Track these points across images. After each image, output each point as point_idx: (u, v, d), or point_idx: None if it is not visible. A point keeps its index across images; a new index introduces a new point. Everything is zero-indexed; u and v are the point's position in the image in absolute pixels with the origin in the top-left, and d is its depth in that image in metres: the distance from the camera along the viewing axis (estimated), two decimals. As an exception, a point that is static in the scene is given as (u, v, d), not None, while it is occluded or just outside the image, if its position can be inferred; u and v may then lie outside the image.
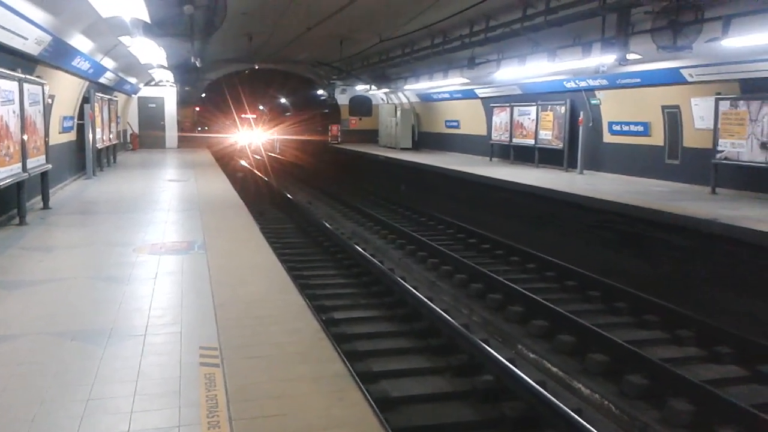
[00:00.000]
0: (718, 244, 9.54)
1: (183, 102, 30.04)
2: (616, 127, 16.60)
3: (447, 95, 25.07)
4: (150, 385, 4.02)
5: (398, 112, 29.09)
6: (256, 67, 29.87)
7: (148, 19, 10.40)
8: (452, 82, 21.72)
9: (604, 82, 16.03)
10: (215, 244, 8.26)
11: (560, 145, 18.36)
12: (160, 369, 4.27)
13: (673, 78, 13.86)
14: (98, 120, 16.68)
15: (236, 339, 4.81)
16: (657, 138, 15.21)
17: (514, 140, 20.63)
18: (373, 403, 3.92)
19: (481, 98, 22.82)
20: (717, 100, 12.78)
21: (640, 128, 15.71)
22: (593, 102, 17.14)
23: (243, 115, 49.13)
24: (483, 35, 15.16)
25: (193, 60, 20.42)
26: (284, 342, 4.79)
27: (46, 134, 10.84)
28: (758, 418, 5.59)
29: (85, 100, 15.72)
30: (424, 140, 29.08)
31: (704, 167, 13.40)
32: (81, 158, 15.97)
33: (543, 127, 19.16)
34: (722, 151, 12.76)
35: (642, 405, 6.23)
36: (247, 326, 5.11)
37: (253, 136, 46.71)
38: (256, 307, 5.63)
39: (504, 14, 14.22)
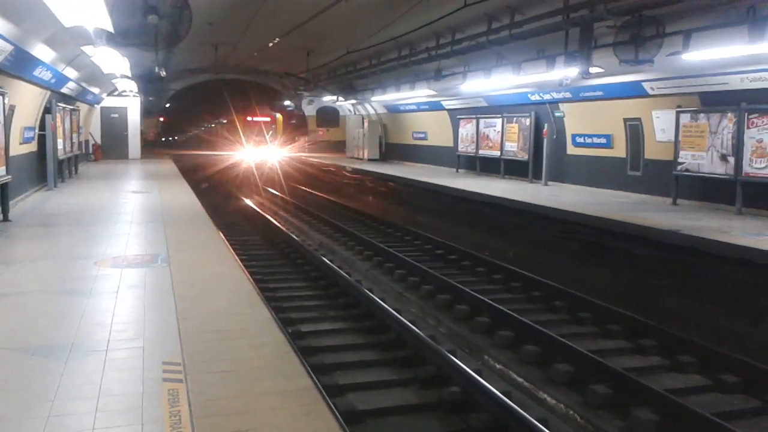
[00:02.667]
0: (679, 254, 9.72)
1: (147, 112, 29.63)
2: (580, 140, 16.86)
3: (414, 107, 25.21)
4: (112, 401, 3.95)
5: (365, 124, 29.18)
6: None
7: (111, 29, 10.29)
8: (419, 93, 21.86)
9: (568, 94, 16.28)
10: (179, 257, 8.16)
11: (525, 157, 18.58)
12: (122, 385, 4.19)
13: (635, 91, 14.14)
14: (60, 130, 16.41)
15: (200, 353, 4.74)
16: (619, 150, 15.47)
17: (480, 152, 20.83)
18: (339, 417, 3.90)
19: (448, 110, 23.00)
20: (678, 113, 13.06)
21: (603, 140, 15.97)
22: (557, 114, 17.39)
23: (252, 118, 36.44)
24: (449, 48, 15.30)
25: (157, 70, 20.24)
26: (249, 356, 4.75)
27: (6, 145, 10.64)
28: (721, 427, 5.68)
29: (47, 110, 15.47)
30: (391, 151, 29.19)
31: (665, 179, 13.66)
32: (42, 169, 15.69)
33: (508, 139, 19.38)
34: (683, 163, 13.02)
35: (606, 414, 6.30)
36: (212, 340, 5.04)
37: (265, 151, 33.19)
38: (220, 321, 5.57)
39: (469, 27, 14.37)
